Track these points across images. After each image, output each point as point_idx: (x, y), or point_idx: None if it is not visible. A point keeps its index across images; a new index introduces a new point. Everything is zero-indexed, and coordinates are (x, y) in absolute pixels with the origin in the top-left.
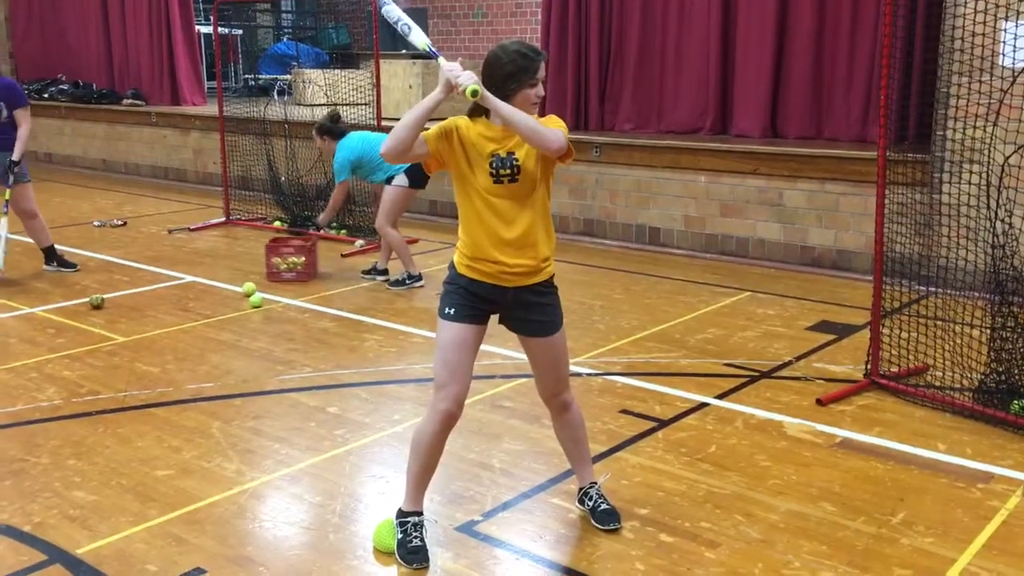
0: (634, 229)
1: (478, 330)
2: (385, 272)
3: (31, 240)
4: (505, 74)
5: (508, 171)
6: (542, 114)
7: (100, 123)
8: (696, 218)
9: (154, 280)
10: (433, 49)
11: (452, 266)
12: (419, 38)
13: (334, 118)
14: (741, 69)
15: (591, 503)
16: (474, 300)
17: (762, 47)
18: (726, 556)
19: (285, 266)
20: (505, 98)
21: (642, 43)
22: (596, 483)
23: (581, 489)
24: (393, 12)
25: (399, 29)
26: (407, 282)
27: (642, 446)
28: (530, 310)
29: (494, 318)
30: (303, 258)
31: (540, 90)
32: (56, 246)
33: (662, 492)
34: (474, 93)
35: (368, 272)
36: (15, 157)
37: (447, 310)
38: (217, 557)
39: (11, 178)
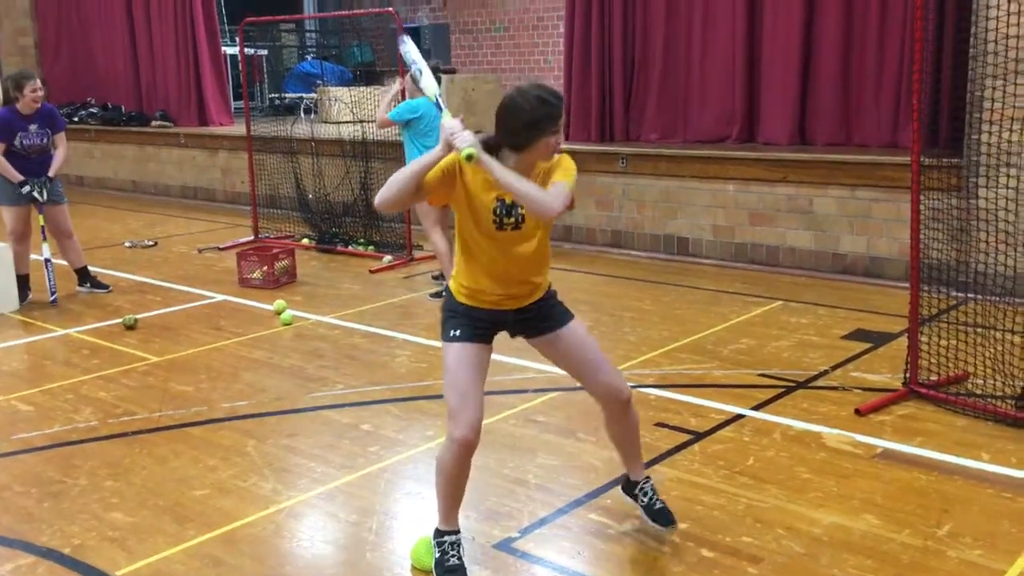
0: (662, 239)
1: (485, 349)
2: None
3: (64, 261)
4: (526, 122)
5: (512, 219)
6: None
7: (129, 145)
8: (725, 227)
9: (186, 299)
10: (440, 100)
11: (449, 293)
12: (429, 86)
13: (436, 67)
14: (767, 76)
15: (646, 499)
16: (477, 323)
17: (788, 53)
18: (769, 571)
19: (277, 272)
20: (525, 146)
21: (666, 52)
22: (650, 479)
23: (634, 483)
24: (410, 54)
25: (412, 71)
26: (444, 294)
27: (679, 459)
28: (536, 319)
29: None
30: (286, 260)
31: (560, 137)
32: (89, 267)
33: (701, 506)
34: (469, 157)
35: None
36: (51, 173)
37: (451, 333)
38: None
39: (44, 194)
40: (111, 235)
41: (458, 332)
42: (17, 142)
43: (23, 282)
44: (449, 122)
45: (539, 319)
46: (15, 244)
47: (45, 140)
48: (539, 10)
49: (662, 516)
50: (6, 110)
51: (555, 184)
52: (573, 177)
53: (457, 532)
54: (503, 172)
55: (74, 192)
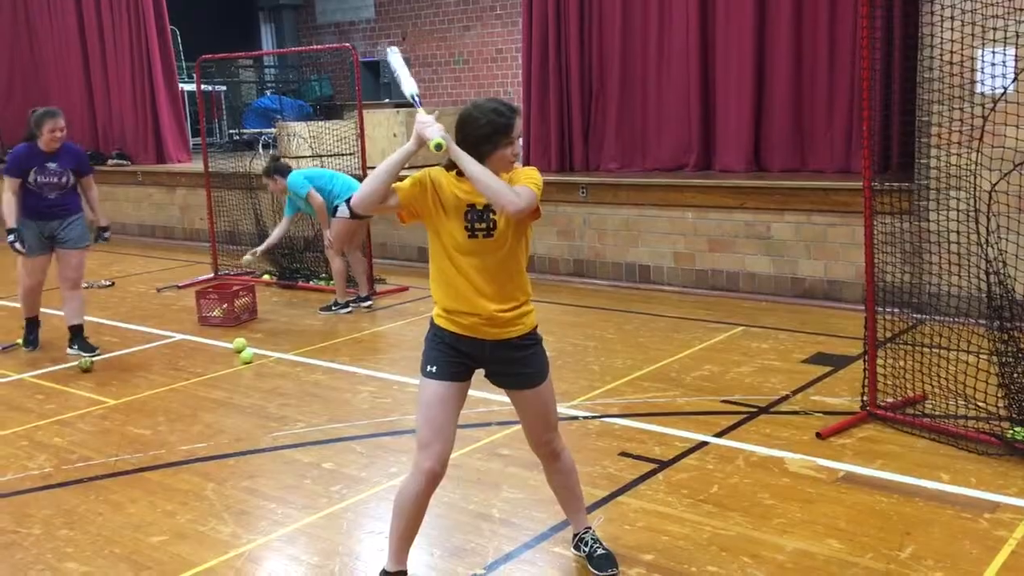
0: (624, 268)
1: (462, 387)
2: (346, 305)
3: (15, 304)
4: (481, 135)
5: (484, 225)
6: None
7: None
8: (685, 254)
9: (144, 340)
10: (417, 98)
11: (432, 321)
12: (408, 86)
13: (276, 158)
14: (722, 105)
15: (587, 549)
16: (456, 355)
17: (742, 83)
18: None
19: (238, 309)
20: (481, 158)
21: (623, 83)
22: (590, 528)
23: (576, 535)
24: (394, 60)
25: (394, 76)
26: (333, 308)
27: (643, 489)
28: (512, 364)
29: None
30: (247, 297)
31: (517, 148)
32: (44, 311)
33: (666, 536)
34: (438, 146)
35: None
36: (102, 221)
37: (429, 368)
38: None
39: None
40: None
41: (435, 369)
42: (32, 178)
43: (32, 326)
44: (422, 116)
45: (515, 367)
46: (28, 288)
47: (65, 179)
48: (498, 43)
49: (603, 563)
50: (24, 146)
51: (520, 186)
52: (537, 184)
53: (405, 573)
54: (470, 162)
55: None
